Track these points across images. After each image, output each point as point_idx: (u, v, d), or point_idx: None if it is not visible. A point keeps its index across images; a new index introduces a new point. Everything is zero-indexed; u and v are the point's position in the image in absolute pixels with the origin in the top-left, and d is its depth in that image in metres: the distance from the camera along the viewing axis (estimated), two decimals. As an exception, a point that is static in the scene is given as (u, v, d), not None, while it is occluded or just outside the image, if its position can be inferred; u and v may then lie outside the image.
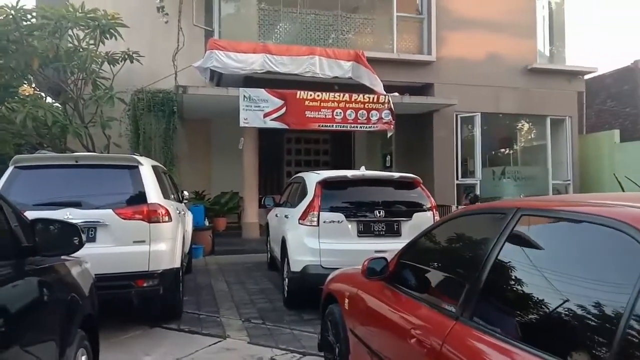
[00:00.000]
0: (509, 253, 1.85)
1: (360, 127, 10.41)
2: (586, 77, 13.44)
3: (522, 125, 13.56)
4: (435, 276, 2.47)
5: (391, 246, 4.84)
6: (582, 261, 1.57)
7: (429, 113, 11.62)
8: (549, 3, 13.37)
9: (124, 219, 4.63)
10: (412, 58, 11.51)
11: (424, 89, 11.77)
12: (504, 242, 1.87)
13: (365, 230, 5.32)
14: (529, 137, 13.86)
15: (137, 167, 4.90)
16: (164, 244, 4.80)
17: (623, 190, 11.04)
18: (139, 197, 4.77)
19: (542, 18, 13.21)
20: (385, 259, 2.72)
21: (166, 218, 4.83)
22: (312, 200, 5.37)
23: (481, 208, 2.42)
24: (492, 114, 12.23)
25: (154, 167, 5.39)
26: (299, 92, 9.89)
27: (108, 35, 10.01)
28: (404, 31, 11.81)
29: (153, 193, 4.84)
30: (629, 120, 14.63)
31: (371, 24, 12.01)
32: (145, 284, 4.68)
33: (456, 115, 11.78)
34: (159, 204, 4.80)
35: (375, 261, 2.72)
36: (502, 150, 13.72)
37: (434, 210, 5.57)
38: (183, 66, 10.46)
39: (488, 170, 12.42)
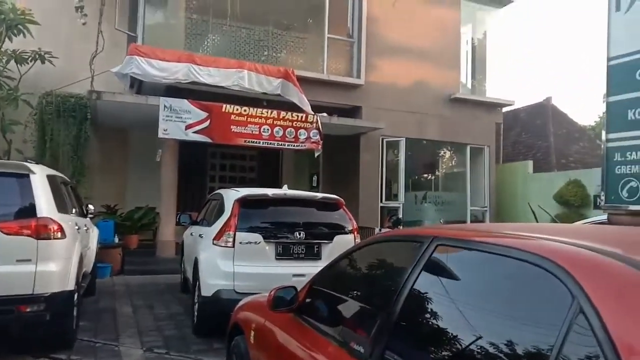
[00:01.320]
0: (424, 284, 1.68)
1: (288, 145, 10.20)
2: (504, 109, 14.22)
3: (444, 152, 14.03)
4: (346, 308, 2.25)
5: (310, 270, 4.59)
6: (500, 295, 1.43)
7: (357, 135, 11.68)
8: (472, 39, 14.08)
9: (7, 234, 4.04)
10: (342, 80, 11.56)
11: (352, 112, 11.84)
12: (420, 273, 1.70)
13: (284, 253, 5.05)
14: (450, 164, 14.37)
15: (27, 175, 4.33)
16: (55, 263, 4.23)
17: (536, 218, 11.70)
18: (28, 210, 4.20)
19: (466, 52, 13.87)
20: (294, 288, 2.47)
21: (59, 234, 4.28)
22: (229, 219, 5.03)
23: (397, 235, 2.26)
24: (416, 139, 12.53)
25: (50, 177, 4.81)
26: (224, 106, 9.53)
27: (16, 32, 9.17)
28: (334, 53, 11.87)
29: (45, 206, 4.29)
30: (540, 152, 15.60)
31: (303, 44, 11.97)
32: (28, 309, 4.09)
33: (382, 139, 11.94)
34: (50, 219, 4.24)
35: (283, 290, 2.46)
36: (425, 175, 14.09)
37: (356, 233, 5.42)
38: (102, 71, 9.77)
39: (411, 194, 12.65)
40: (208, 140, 9.53)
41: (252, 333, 2.81)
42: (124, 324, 5.66)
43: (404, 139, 11.96)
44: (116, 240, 9.24)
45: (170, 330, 5.50)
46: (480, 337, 1.37)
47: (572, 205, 11.72)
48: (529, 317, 1.26)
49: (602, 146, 3.60)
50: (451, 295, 1.56)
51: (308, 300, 2.40)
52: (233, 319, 3.32)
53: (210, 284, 4.94)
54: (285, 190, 5.83)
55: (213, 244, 5.05)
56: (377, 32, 11.93)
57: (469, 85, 14.06)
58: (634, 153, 3.31)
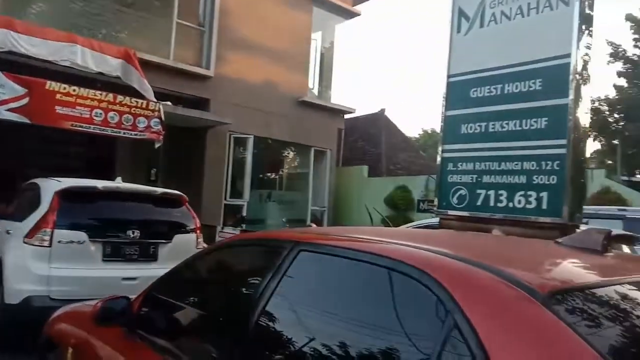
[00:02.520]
0: (286, 293, 1.52)
1: (125, 133, 9.25)
2: (346, 116, 15.00)
3: (290, 152, 14.26)
4: (193, 321, 1.98)
5: (144, 273, 4.18)
6: (368, 305, 1.33)
7: (203, 129, 11.18)
8: (322, 46, 14.58)
9: None
10: (190, 69, 10.94)
11: (199, 104, 11.28)
12: (280, 281, 1.53)
13: (114, 254, 4.48)
14: (295, 165, 14.67)
15: None
16: None
17: (371, 218, 12.54)
18: None
19: (315, 58, 14.30)
20: (127, 298, 2.11)
21: None
22: (46, 214, 4.30)
23: (254, 238, 2.04)
24: (264, 138, 12.48)
25: None
26: (49, 83, 8.24)
27: None
28: (183, 40, 11.18)
29: None
30: (373, 158, 16.86)
31: (148, 25, 11.04)
32: None
33: (230, 135, 11.63)
34: None
35: (113, 301, 2.08)
36: (270, 174, 14.14)
37: (198, 232, 5.09)
38: None
39: (256, 192, 12.56)
40: (26, 120, 8.14)
41: (71, 350, 2.36)
42: None
43: (252, 136, 11.81)
44: None
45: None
46: (348, 351, 1.25)
47: (400, 208, 12.85)
48: (402, 328, 1.17)
49: (438, 156, 3.89)
50: (316, 305, 1.42)
51: (144, 312, 2.07)
52: (46, 332, 2.78)
53: (17, 289, 4.16)
54: (118, 183, 5.22)
55: (24, 242, 4.26)
56: (230, 25, 11.58)
57: (316, 91, 14.53)
58: (464, 164, 3.62)
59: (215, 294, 1.98)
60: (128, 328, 2.04)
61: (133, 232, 4.57)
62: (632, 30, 22.59)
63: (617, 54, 22.87)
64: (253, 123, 11.85)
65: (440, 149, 3.89)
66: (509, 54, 3.45)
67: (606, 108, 22.13)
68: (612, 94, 22.75)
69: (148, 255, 4.65)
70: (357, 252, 1.39)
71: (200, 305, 1.99)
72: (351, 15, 14.45)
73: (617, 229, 5.72)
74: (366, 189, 14.21)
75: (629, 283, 1.18)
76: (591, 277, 1.22)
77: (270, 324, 1.49)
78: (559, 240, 1.53)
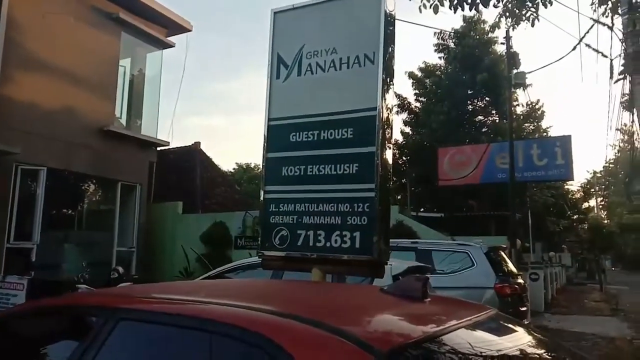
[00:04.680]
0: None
1: None
2: (159, 149, 14.26)
3: (93, 187, 12.91)
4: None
5: None
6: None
7: (-21, 159, 9.40)
8: (131, 73, 13.73)
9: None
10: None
11: (-25, 129, 9.50)
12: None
13: None
14: (98, 201, 13.31)
15: None
16: None
17: (187, 259, 11.96)
18: None
19: (123, 85, 13.36)
20: None
21: None
22: None
23: (58, 305, 1.65)
24: (61, 170, 11.06)
25: None
26: None
27: None
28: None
29: None
30: (189, 193, 16.30)
31: None
32: None
33: (17, 167, 10.00)
34: None
35: None
36: (68, 212, 12.54)
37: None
38: None
39: (49, 233, 10.95)
40: None
41: None
42: None
43: (46, 169, 10.35)
44: None
45: None
46: None
47: (217, 245, 12.59)
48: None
49: (260, 197, 3.91)
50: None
51: None
52: None
53: None
54: None
55: None
56: (20, 41, 10.13)
57: (124, 120, 13.54)
58: (286, 205, 3.70)
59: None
60: None
61: None
62: (413, 86, 26.77)
63: (403, 105, 26.83)
64: (48, 153, 10.43)
65: (262, 189, 3.92)
66: (324, 103, 3.69)
67: (396, 151, 25.48)
68: (400, 139, 26.42)
69: None
70: (193, 318, 1.23)
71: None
72: (164, 45, 13.98)
73: (411, 261, 6.52)
74: (181, 226, 13.61)
75: (461, 328, 1.29)
76: (422, 328, 1.31)
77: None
78: (384, 288, 1.63)
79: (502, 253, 8.51)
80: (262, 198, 3.86)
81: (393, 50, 3.65)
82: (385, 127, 3.50)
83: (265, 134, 3.91)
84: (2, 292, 7.77)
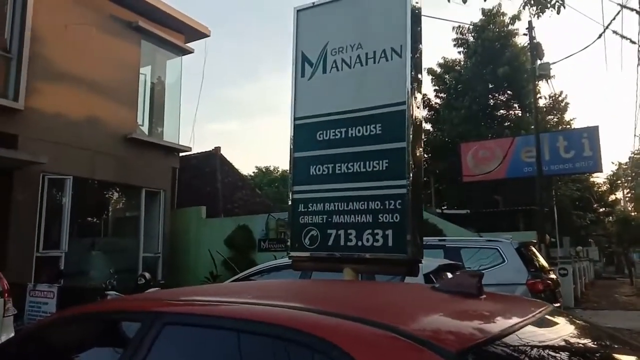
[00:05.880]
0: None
1: None
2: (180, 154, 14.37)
3: (118, 195, 13.06)
4: None
5: None
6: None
7: (8, 170, 9.57)
8: (152, 81, 13.87)
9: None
10: (-8, 101, 9.39)
11: (5, 141, 9.68)
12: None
13: None
14: (123, 208, 13.46)
15: None
16: None
17: (215, 263, 11.97)
18: None
19: (144, 93, 13.50)
20: None
21: None
22: None
23: (95, 312, 1.61)
24: (86, 179, 11.22)
25: None
26: None
27: None
28: (-17, 67, 9.59)
29: None
30: (210, 198, 16.38)
31: None
32: None
33: (44, 176, 10.17)
34: None
35: None
36: (94, 220, 12.72)
37: (7, 296, 4.20)
38: None
39: (77, 241, 11.11)
40: None
41: None
42: None
43: (71, 177, 10.50)
44: None
45: None
46: None
47: (241, 248, 12.60)
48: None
49: (289, 197, 3.85)
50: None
51: None
52: None
53: None
54: None
55: None
56: (45, 54, 10.30)
57: (146, 127, 13.68)
58: (315, 204, 3.64)
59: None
60: None
61: None
62: (433, 83, 26.50)
63: (423, 102, 26.57)
64: (73, 162, 10.58)
65: (290, 190, 3.86)
66: (351, 99, 3.61)
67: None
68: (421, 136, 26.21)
69: None
70: (242, 321, 1.17)
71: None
72: (183, 52, 14.10)
73: (440, 259, 6.39)
74: (205, 231, 13.67)
75: (528, 325, 1.22)
76: (489, 326, 1.23)
77: None
78: (436, 285, 1.55)
79: (533, 248, 8.30)
80: (290, 198, 3.80)
81: (420, 44, 3.56)
82: (416, 122, 3.42)
83: (292, 134, 3.86)
84: (33, 300, 7.91)
